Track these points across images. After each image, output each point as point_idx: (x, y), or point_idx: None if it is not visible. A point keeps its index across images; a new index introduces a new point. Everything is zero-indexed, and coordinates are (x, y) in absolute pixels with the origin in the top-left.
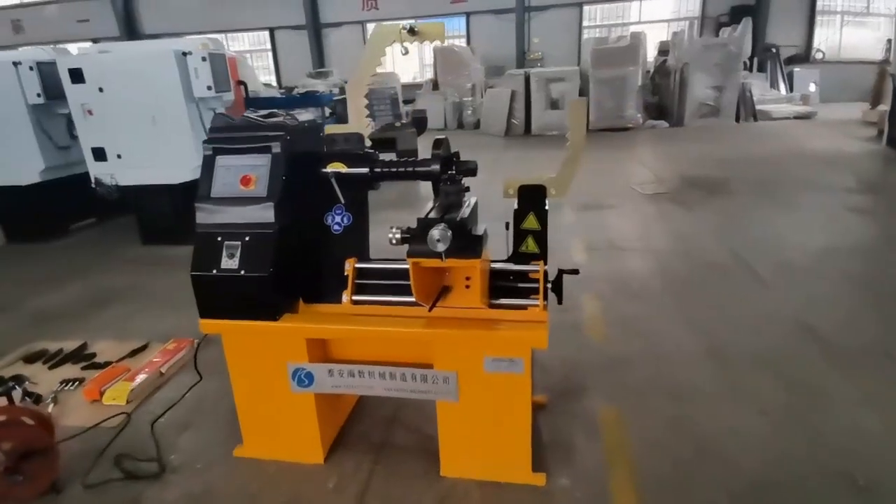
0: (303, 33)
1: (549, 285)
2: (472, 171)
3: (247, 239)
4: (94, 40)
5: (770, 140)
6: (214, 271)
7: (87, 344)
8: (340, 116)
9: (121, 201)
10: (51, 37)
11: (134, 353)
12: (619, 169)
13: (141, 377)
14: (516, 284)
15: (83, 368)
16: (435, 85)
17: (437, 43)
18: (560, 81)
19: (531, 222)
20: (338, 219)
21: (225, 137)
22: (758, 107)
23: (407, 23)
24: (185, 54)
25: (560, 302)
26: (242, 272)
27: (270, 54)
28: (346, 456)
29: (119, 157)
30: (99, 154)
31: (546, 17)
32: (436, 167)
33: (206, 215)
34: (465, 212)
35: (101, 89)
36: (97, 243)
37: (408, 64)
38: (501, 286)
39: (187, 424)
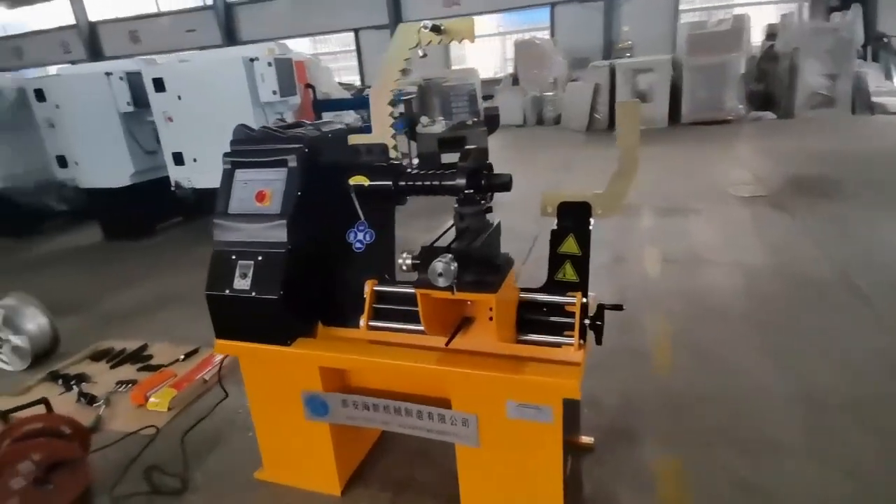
0: (385, 32)
1: (588, 321)
2: (503, 185)
3: (259, 259)
4: (201, 48)
5: (891, 136)
6: (227, 291)
7: (147, 345)
8: (409, 117)
9: (199, 203)
10: (164, 46)
11: (187, 356)
12: (711, 167)
13: (185, 385)
14: (549, 318)
15: (139, 370)
16: (515, 80)
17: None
18: (648, 72)
19: (570, 246)
20: (360, 236)
21: (244, 150)
22: (873, 98)
23: (429, 21)
24: (252, 60)
25: (599, 342)
26: (254, 293)
27: (356, 55)
28: (365, 491)
29: (195, 160)
30: (178, 158)
31: (638, 1)
32: (461, 181)
33: (222, 232)
34: (480, 239)
35: (179, 97)
36: (178, 243)
37: (490, 58)
38: (532, 320)
39: (217, 440)
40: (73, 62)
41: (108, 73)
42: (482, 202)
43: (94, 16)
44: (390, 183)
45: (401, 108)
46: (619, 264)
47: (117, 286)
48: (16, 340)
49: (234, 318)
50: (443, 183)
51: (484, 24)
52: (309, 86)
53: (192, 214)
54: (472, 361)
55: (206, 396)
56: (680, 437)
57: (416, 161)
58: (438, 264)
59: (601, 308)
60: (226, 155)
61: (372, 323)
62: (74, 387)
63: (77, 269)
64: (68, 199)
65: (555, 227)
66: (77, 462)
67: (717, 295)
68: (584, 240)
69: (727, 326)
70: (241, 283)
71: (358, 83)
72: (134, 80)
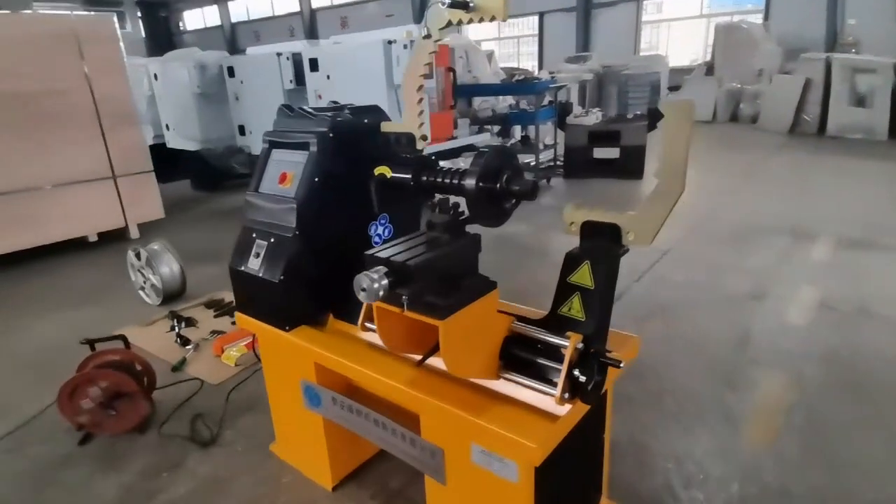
0: (571, 16)
1: (577, 373)
2: (523, 193)
3: (272, 240)
4: None
5: None
6: (242, 268)
7: None
8: (561, 106)
9: None
10: (366, 31)
11: None
12: None
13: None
14: (536, 359)
15: (232, 323)
16: (709, 69)
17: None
18: (870, 73)
19: (583, 276)
20: (380, 230)
21: (280, 131)
22: None
23: None
24: (389, 43)
25: (590, 402)
26: (261, 274)
27: (537, 39)
28: (355, 494)
29: None
30: None
31: None
32: (469, 182)
33: (249, 209)
34: (433, 254)
35: (328, 76)
36: None
37: (690, 44)
38: (519, 356)
39: (257, 404)
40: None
41: (278, 54)
42: (460, 211)
43: (315, 4)
44: (409, 176)
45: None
46: (757, 301)
47: None
48: (153, 279)
49: (246, 295)
50: (453, 182)
51: (687, 4)
52: (450, 69)
53: None
54: (443, 389)
55: None
56: None
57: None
58: (363, 278)
59: (595, 359)
60: (266, 134)
61: (368, 324)
62: (179, 327)
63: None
64: (246, 163)
65: (571, 250)
66: (135, 396)
67: (875, 366)
68: (602, 270)
69: (874, 413)
70: (254, 263)
71: (535, 69)
72: (298, 59)
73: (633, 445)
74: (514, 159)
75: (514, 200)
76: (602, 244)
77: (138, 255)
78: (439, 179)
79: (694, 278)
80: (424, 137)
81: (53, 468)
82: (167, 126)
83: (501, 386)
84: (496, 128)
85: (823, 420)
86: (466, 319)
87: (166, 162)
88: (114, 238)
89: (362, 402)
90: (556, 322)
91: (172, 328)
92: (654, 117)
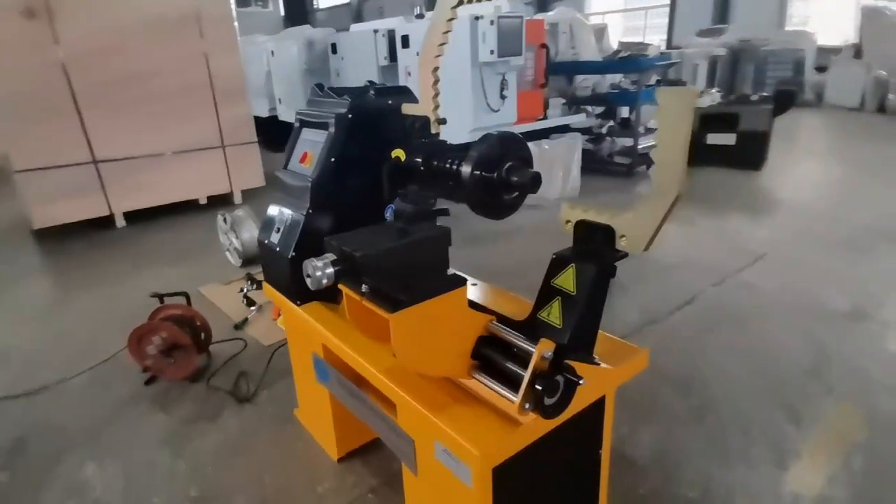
0: None
1: (538, 385)
2: (523, 185)
3: (290, 217)
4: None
5: None
6: (266, 241)
7: None
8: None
9: None
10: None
11: None
12: None
13: None
14: (505, 363)
15: None
16: (857, 52)
17: None
18: None
19: (566, 280)
20: (389, 214)
21: (310, 111)
22: None
23: None
24: (476, 19)
25: (548, 417)
26: (278, 248)
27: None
28: (358, 469)
29: None
30: None
31: None
32: (465, 170)
33: (280, 185)
34: (389, 245)
35: (417, 53)
36: None
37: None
38: (491, 358)
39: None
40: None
41: (375, 31)
42: (432, 201)
43: None
44: (420, 161)
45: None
46: (854, 322)
47: None
48: (236, 243)
49: (269, 267)
50: (453, 167)
51: None
52: (543, 46)
53: None
54: (418, 383)
55: None
56: None
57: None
58: (308, 265)
59: (557, 370)
60: (297, 112)
61: None
62: (248, 289)
63: None
64: None
65: (560, 251)
66: (189, 349)
67: None
68: (589, 276)
69: None
70: (275, 237)
71: (663, 43)
72: (393, 36)
73: (655, 465)
74: (520, 147)
75: (515, 193)
76: (593, 247)
77: (225, 220)
78: (446, 165)
79: (785, 288)
80: (441, 121)
81: (120, 403)
82: (279, 100)
83: (478, 386)
84: (597, 109)
85: (888, 468)
86: (423, 315)
87: (279, 133)
88: (220, 202)
89: (363, 383)
90: (533, 326)
91: (242, 289)
92: (783, 99)
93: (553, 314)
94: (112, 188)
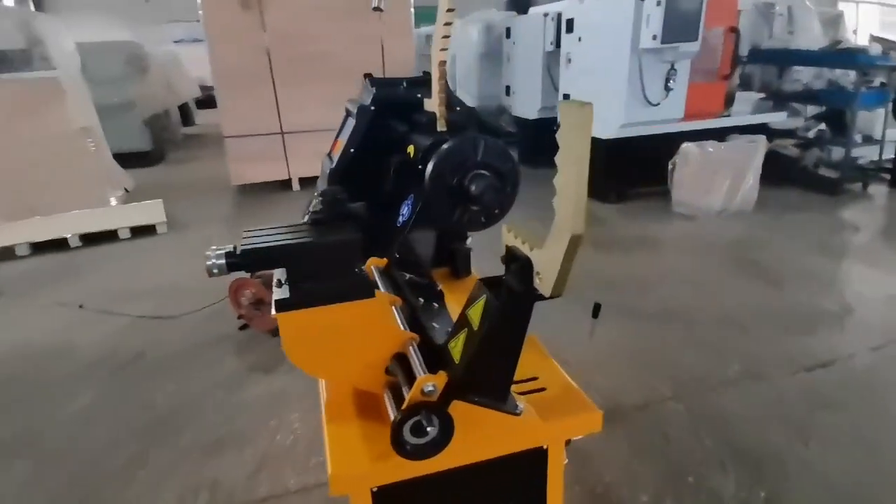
0: None
1: (397, 419)
2: (486, 204)
3: (315, 201)
4: None
5: None
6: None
7: None
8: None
9: None
10: None
11: None
12: None
13: None
14: (402, 389)
15: None
16: None
17: None
18: None
19: (475, 311)
20: (404, 210)
21: (353, 100)
22: None
23: None
24: (641, 0)
25: (407, 457)
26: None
27: None
28: None
29: None
30: (566, 100)
31: None
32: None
33: (321, 170)
34: (277, 244)
35: (580, 38)
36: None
37: None
38: (393, 378)
39: None
40: None
41: (545, 14)
42: (343, 196)
43: None
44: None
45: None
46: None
47: None
48: None
49: None
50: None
51: None
52: (733, 30)
53: None
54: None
55: None
56: None
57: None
58: (207, 251)
59: (439, 414)
60: (347, 101)
61: None
62: None
63: None
64: (511, 123)
65: (484, 277)
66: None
67: None
68: (494, 312)
69: None
70: (305, 218)
71: None
72: (560, 20)
73: None
74: (503, 159)
75: (475, 208)
76: (509, 280)
77: None
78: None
79: None
80: (449, 122)
81: (215, 341)
82: (457, 84)
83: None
84: (810, 108)
85: None
86: (317, 320)
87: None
88: None
89: None
90: (441, 354)
91: None
92: None
93: (457, 347)
94: (292, 156)
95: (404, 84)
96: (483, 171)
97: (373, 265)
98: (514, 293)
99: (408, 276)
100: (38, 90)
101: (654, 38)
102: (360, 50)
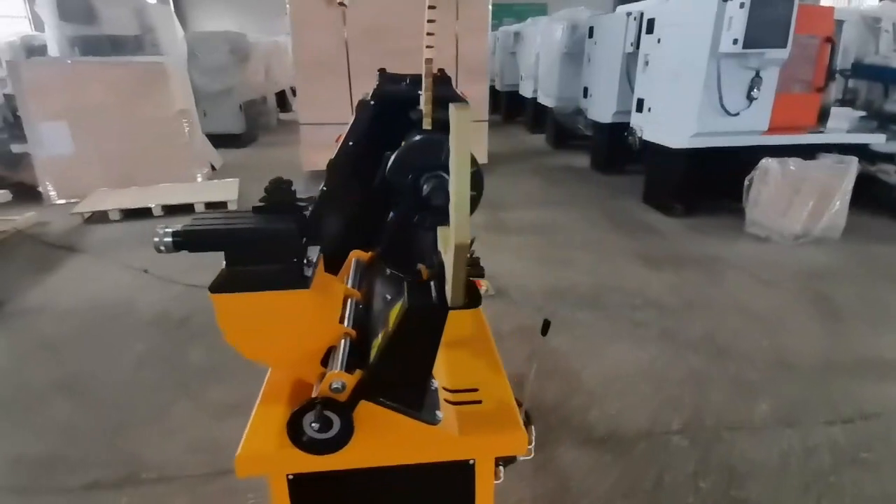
0: None
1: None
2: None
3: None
4: None
5: None
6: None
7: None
8: None
9: (639, 153)
10: None
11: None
12: None
13: None
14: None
15: None
16: None
17: None
18: None
19: (395, 313)
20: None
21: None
22: None
23: None
24: (724, 0)
25: (303, 449)
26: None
27: None
28: None
29: (649, 110)
30: (639, 105)
31: None
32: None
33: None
34: (218, 227)
35: (659, 40)
36: (629, 189)
37: None
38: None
39: None
40: None
41: (628, 14)
42: (286, 185)
43: None
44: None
45: None
46: None
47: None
48: None
49: None
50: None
51: None
52: (829, 40)
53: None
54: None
55: None
56: None
57: None
58: (157, 228)
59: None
60: (361, 98)
61: None
62: None
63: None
64: (587, 125)
65: (410, 280)
66: None
67: None
68: (408, 316)
69: None
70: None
71: None
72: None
73: None
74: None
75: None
76: (426, 285)
77: None
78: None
79: None
80: (436, 121)
81: None
82: (538, 83)
83: None
84: None
85: None
86: (248, 305)
87: (540, 114)
88: None
89: None
90: (367, 352)
91: None
92: None
93: (376, 346)
94: None
95: (407, 80)
96: (440, 173)
97: (354, 257)
98: (425, 299)
99: (388, 271)
100: (146, 73)
101: (735, 42)
102: (436, 46)
